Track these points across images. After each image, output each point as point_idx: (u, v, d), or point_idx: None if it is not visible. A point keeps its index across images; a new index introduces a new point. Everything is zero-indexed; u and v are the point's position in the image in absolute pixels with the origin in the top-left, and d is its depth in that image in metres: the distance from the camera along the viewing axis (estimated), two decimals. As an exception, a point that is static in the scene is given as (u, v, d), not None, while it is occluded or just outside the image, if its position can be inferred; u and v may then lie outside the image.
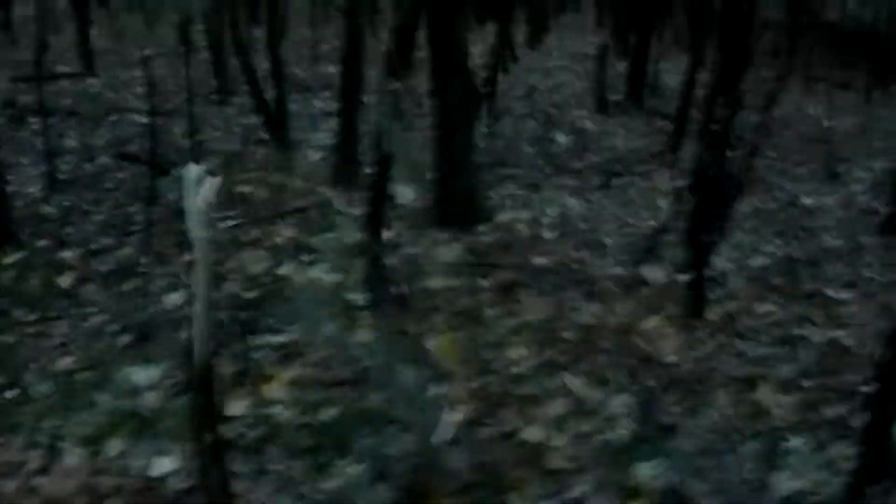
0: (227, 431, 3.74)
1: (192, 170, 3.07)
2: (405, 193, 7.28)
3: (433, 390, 4.38)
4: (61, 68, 13.44)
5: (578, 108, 12.06)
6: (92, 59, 14.26)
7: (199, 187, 3.06)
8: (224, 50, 11.67)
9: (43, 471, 3.86)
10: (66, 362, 4.85)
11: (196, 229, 3.10)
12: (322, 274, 5.85)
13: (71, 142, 9.66)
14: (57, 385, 4.60)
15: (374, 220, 5.41)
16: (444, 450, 3.91)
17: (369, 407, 4.26)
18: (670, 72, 13.70)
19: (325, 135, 9.52)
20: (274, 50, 9.66)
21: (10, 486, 3.74)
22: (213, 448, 3.24)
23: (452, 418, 4.06)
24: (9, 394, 4.53)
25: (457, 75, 6.68)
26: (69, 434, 4.13)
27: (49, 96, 9.39)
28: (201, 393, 3.20)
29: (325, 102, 11.28)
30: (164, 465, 3.88)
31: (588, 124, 11.32)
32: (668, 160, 9.61)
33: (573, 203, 7.95)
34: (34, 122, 9.60)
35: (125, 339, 5.10)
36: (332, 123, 9.27)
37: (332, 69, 11.84)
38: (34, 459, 3.92)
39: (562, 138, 10.43)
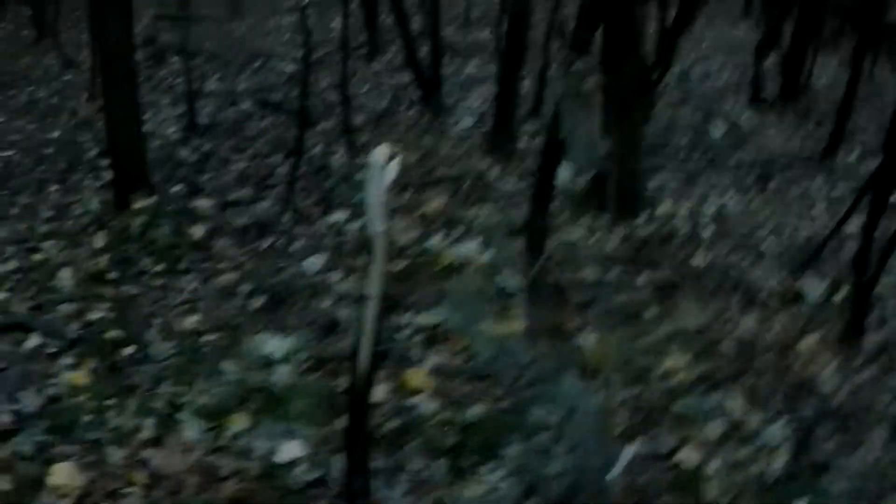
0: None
1: (379, 153, 2.72)
2: (563, 173, 6.97)
3: (589, 398, 4.03)
4: (207, 10, 13.74)
5: (731, 101, 11.70)
6: (239, 3, 14.52)
7: (382, 175, 2.71)
8: (377, 4, 11.70)
9: (156, 442, 3.67)
10: (191, 321, 4.71)
11: (376, 222, 2.77)
12: (472, 251, 5.63)
13: (212, 85, 9.82)
14: (180, 346, 4.45)
15: (540, 203, 5.13)
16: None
17: (519, 409, 3.95)
18: (821, 70, 13.15)
19: (476, 101, 9.49)
20: (430, 8, 9.55)
21: (118, 455, 3.56)
22: (360, 458, 2.97)
23: (628, 453, 3.71)
24: (127, 350, 4.39)
25: (630, 57, 6.50)
26: (189, 403, 3.93)
27: (192, 37, 9.55)
28: (357, 405, 2.92)
29: (476, 68, 11.23)
30: (290, 450, 3.61)
31: (742, 118, 10.95)
32: (823, 165, 9.37)
33: (729, 201, 7.77)
34: (175, 62, 9.81)
35: (257, 301, 4.94)
36: (484, 90, 9.18)
37: (485, 34, 11.75)
38: (147, 428, 3.72)
39: (716, 131, 10.15)
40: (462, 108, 9.39)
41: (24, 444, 3.65)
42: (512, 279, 5.12)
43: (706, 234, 6.74)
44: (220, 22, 13.54)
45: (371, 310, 2.78)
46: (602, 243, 6.02)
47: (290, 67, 10.85)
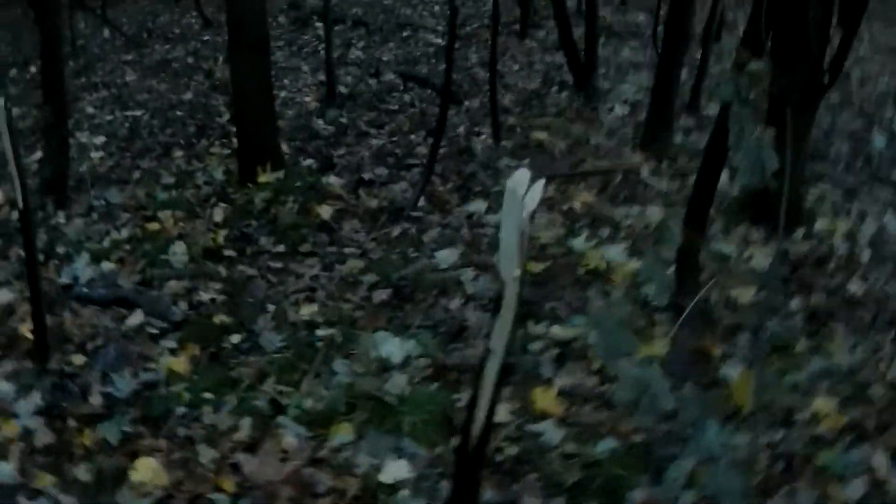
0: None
1: (519, 178, 2.45)
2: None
3: (730, 442, 3.75)
4: None
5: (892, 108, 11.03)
6: None
7: (522, 205, 2.45)
8: None
9: (251, 445, 3.60)
10: (307, 311, 4.65)
11: (508, 266, 2.51)
12: (619, 256, 5.41)
13: (356, 53, 9.88)
14: (292, 339, 4.38)
15: (699, 211, 4.88)
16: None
17: (652, 447, 3.69)
18: None
19: (630, 89, 9.32)
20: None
21: (209, 455, 3.51)
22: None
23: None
24: (235, 338, 4.37)
25: (802, 59, 6.19)
26: (292, 405, 3.85)
27: (338, 2, 9.63)
28: (470, 467, 2.76)
29: (632, 52, 11.05)
30: (397, 470, 3.48)
31: (906, 127, 10.29)
32: None
33: (890, 221, 7.28)
34: (319, 28, 9.93)
35: (382, 294, 4.85)
36: (638, 77, 9.04)
37: (642, 17, 11.66)
38: (244, 429, 3.66)
39: (879, 141, 9.58)
40: (615, 96, 9.23)
41: (110, 431, 3.65)
42: (659, 292, 4.85)
43: (864, 257, 6.27)
44: None
45: (494, 361, 2.58)
46: (758, 260, 5.67)
47: (437, 40, 10.91)
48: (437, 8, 13.27)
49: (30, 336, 4.31)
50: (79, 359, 4.16)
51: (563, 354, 4.35)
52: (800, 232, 6.26)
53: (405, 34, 11.46)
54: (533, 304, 4.76)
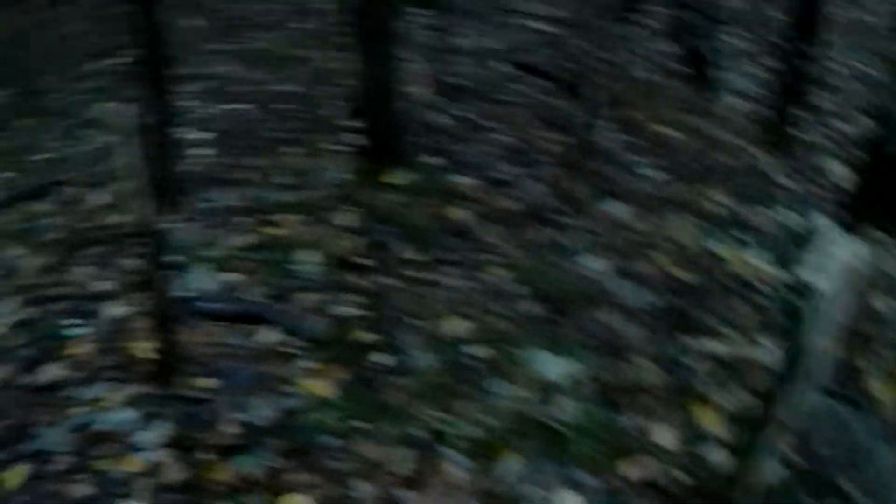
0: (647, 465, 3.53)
1: (825, 228, 2.35)
2: (835, 170, 7.10)
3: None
4: None
5: None
6: None
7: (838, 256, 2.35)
8: None
9: (412, 479, 3.56)
10: (456, 327, 4.62)
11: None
12: (760, 261, 5.61)
13: (462, 41, 9.93)
14: (442, 357, 4.35)
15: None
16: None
17: (816, 469, 3.82)
18: None
19: (741, 78, 9.58)
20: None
21: (365, 490, 3.48)
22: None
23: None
24: (381, 358, 4.33)
25: None
26: (453, 433, 3.86)
27: None
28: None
29: (737, 39, 11.17)
30: (570, 500, 3.60)
31: None
32: None
33: None
34: (419, 15, 10.00)
35: (533, 308, 4.85)
36: (747, 66, 9.41)
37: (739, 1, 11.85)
38: (402, 460, 3.63)
39: None
40: (728, 86, 9.45)
41: (251, 465, 3.65)
42: (801, 300, 4.79)
43: None
44: None
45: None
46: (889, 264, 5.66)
47: (545, 27, 11.02)
48: None
49: (149, 356, 4.33)
50: (206, 382, 4.16)
51: (719, 371, 4.49)
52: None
53: (510, 21, 11.57)
54: (685, 315, 4.90)
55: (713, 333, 4.75)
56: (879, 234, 5.99)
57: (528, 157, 6.89)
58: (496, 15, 11.80)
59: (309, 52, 10.58)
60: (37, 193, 6.93)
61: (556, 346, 4.48)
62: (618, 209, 6.01)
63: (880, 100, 5.78)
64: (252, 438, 3.79)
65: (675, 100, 8.61)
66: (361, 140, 6.52)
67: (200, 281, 5.02)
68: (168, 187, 6.02)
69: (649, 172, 6.68)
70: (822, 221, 2.50)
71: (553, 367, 4.34)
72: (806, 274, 2.64)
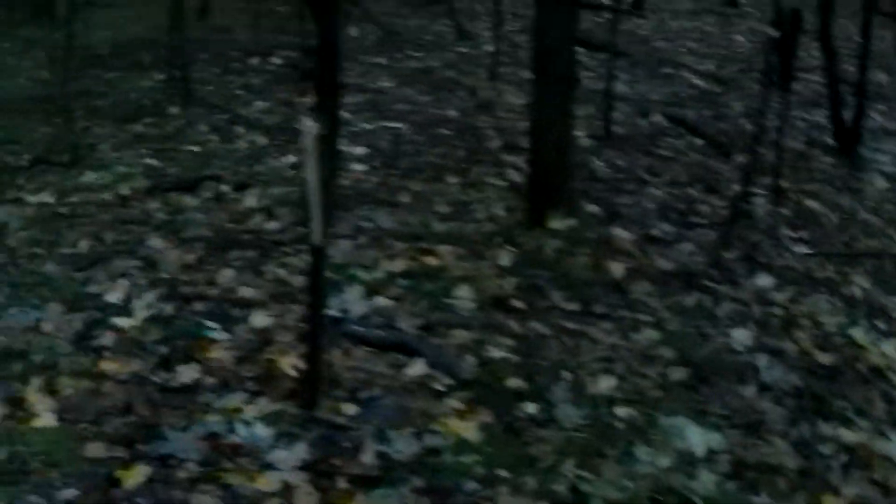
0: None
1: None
2: None
3: None
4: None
5: None
6: None
7: None
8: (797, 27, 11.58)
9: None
10: (603, 383, 4.61)
11: None
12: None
13: (621, 88, 9.97)
14: (591, 415, 4.34)
15: None
16: None
17: None
18: None
19: (889, 158, 9.55)
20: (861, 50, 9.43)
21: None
22: None
23: None
24: (529, 407, 4.33)
25: None
26: (594, 493, 3.84)
27: (591, 28, 9.82)
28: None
29: (882, 117, 11.06)
30: None
31: None
32: None
33: None
34: (589, 58, 10.10)
35: (678, 373, 4.83)
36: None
37: (882, 76, 11.83)
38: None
39: None
40: (874, 165, 9.36)
41: (387, 499, 3.65)
42: None
43: None
44: (625, 16, 13.97)
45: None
46: None
47: (699, 81, 11.20)
48: (693, 44, 13.62)
49: (291, 373, 4.36)
50: (350, 408, 4.18)
51: (849, 462, 4.42)
52: None
53: (666, 70, 11.72)
54: (822, 399, 4.85)
55: (847, 422, 4.72)
56: None
57: (681, 216, 6.91)
58: (654, 64, 11.99)
59: (469, 78, 10.69)
60: (185, 186, 7.07)
61: (698, 416, 4.47)
62: (764, 281, 5.98)
63: None
64: (390, 472, 3.79)
65: (823, 173, 8.60)
66: (521, 177, 6.55)
67: (352, 302, 5.08)
68: (329, 202, 6.11)
69: (795, 246, 6.67)
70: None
71: (693, 436, 4.33)
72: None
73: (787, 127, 9.46)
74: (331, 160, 6.05)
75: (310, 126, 3.85)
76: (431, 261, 5.67)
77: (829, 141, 9.38)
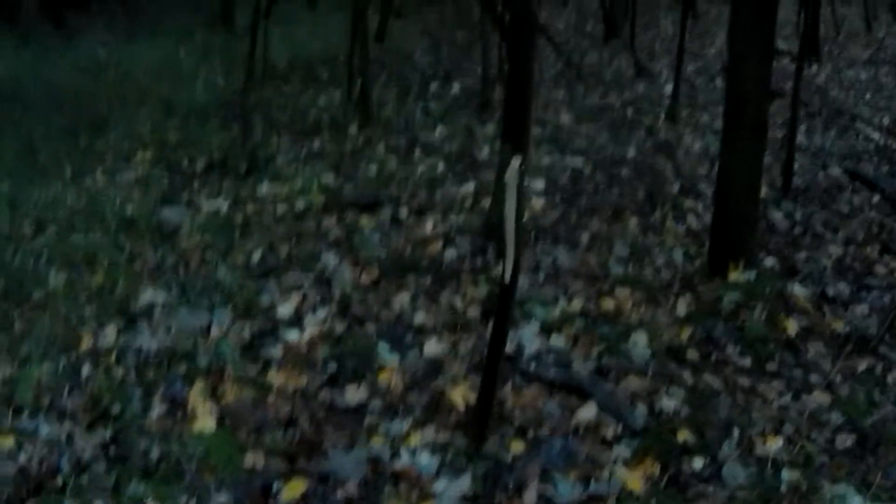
0: None
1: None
2: None
3: None
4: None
5: None
6: (817, 43, 15.21)
7: None
8: None
9: None
10: (772, 445, 4.53)
11: None
12: None
13: (799, 138, 9.81)
14: (756, 475, 4.28)
15: None
16: None
17: None
18: None
19: None
20: None
21: None
22: None
23: None
24: (697, 462, 4.30)
25: None
26: None
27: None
28: None
29: None
30: None
31: None
32: None
33: None
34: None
35: (846, 439, 4.73)
36: None
37: None
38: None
39: None
40: None
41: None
42: None
43: None
44: (805, 62, 13.75)
45: None
46: None
47: (875, 134, 10.93)
48: (868, 95, 13.34)
49: (462, 405, 4.40)
50: (518, 445, 4.20)
51: None
52: None
53: (842, 122, 11.50)
54: None
55: None
56: None
57: (858, 276, 6.77)
58: (831, 115, 11.78)
59: (646, 117, 10.65)
60: (362, 205, 7.19)
61: (862, 485, 4.33)
62: None
63: None
64: (558, 513, 3.77)
65: None
66: (700, 224, 6.48)
67: (527, 339, 5.11)
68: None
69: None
70: None
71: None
72: None
73: None
74: (519, 195, 6.15)
75: (514, 162, 3.87)
76: (609, 303, 5.67)
77: None
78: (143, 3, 17.75)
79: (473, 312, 5.32)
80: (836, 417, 4.87)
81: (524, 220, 6.14)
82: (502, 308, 4.11)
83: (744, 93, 6.30)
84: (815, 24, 15.31)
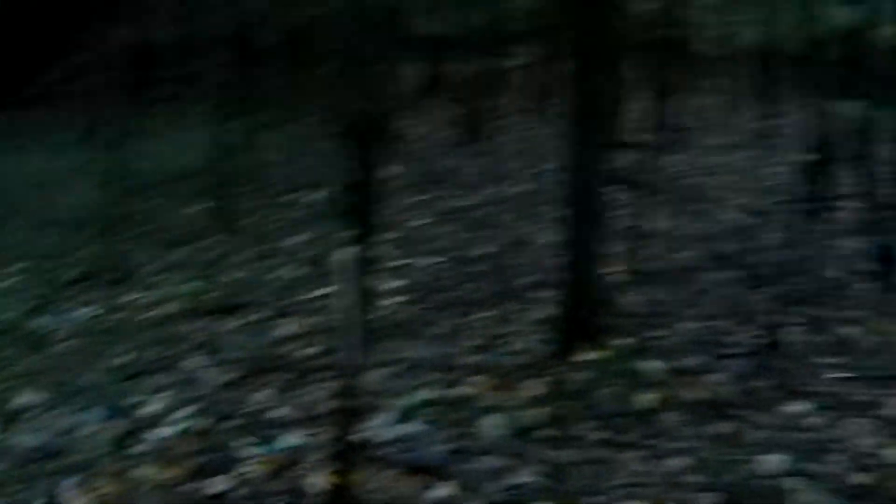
0: None
1: None
2: None
3: None
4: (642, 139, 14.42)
5: None
6: (680, 133, 15.51)
7: None
8: (830, 154, 11.45)
9: None
10: None
11: None
12: None
13: (657, 224, 10.15)
14: None
15: None
16: None
17: None
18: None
19: None
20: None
21: None
22: None
23: None
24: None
25: None
26: None
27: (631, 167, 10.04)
28: None
29: None
30: None
31: None
32: None
33: None
34: (614, 193, 10.34)
35: (707, 499, 4.86)
36: None
37: None
38: None
39: None
40: None
41: None
42: None
43: None
44: (662, 153, 14.20)
45: None
46: None
47: (735, 216, 11.24)
48: (728, 178, 13.61)
49: (320, 491, 4.46)
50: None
51: None
52: None
53: (703, 205, 11.83)
54: None
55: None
56: None
57: (716, 347, 6.96)
58: (693, 199, 12.04)
59: (503, 216, 10.88)
60: (226, 309, 7.23)
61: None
62: (797, 407, 6.00)
63: None
64: None
65: (863, 300, 8.49)
66: (554, 311, 6.71)
67: (385, 426, 5.21)
68: (365, 330, 6.28)
69: (831, 373, 6.62)
70: None
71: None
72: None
73: (824, 255, 9.44)
74: (365, 291, 6.25)
75: (339, 255, 4.02)
76: (465, 391, 5.81)
77: (871, 266, 9.17)
78: (16, 116, 17.65)
79: (330, 405, 5.38)
80: (696, 478, 5.04)
81: (380, 316, 6.31)
82: (345, 393, 4.19)
83: (579, 183, 6.54)
84: (675, 114, 15.87)
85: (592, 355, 6.28)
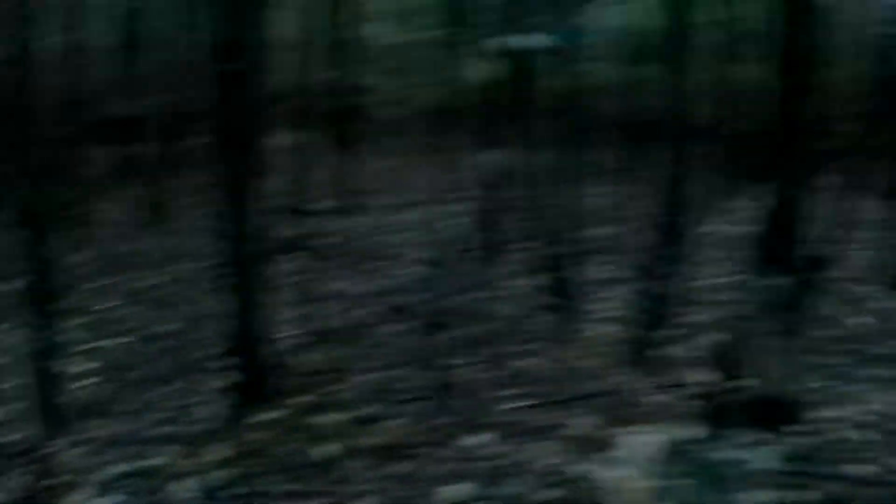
0: None
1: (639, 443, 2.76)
2: (698, 380, 7.36)
3: None
4: (320, 205, 14.70)
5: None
6: (360, 197, 16.18)
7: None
8: (495, 202, 12.35)
9: None
10: None
11: None
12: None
13: (335, 284, 10.59)
14: None
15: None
16: None
17: None
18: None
19: (607, 305, 9.92)
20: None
21: None
22: None
23: None
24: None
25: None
26: None
27: (312, 232, 10.51)
28: None
29: (598, 268, 11.48)
30: None
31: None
32: None
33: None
34: (291, 259, 10.63)
35: None
36: (615, 292, 9.82)
37: (602, 230, 12.35)
38: None
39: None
40: (596, 313, 9.76)
41: None
42: None
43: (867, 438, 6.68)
44: (340, 216, 14.61)
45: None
46: (762, 460, 6.14)
47: (416, 269, 11.70)
48: (412, 234, 13.91)
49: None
50: None
51: None
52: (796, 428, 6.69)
53: (383, 263, 12.26)
54: None
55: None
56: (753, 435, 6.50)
57: (393, 394, 7.38)
58: (368, 258, 12.48)
59: (190, 292, 11.05)
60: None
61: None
62: (480, 439, 6.44)
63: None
64: None
65: (540, 332, 9.03)
66: (236, 378, 7.06)
67: (85, 502, 5.51)
68: (54, 413, 6.44)
69: (512, 403, 7.08)
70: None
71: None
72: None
73: (500, 296, 10.15)
74: (52, 376, 6.43)
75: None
76: (159, 460, 6.12)
77: (550, 299, 9.74)
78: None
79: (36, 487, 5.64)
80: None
81: (73, 398, 6.43)
82: (38, 472, 4.42)
83: (242, 253, 7.00)
84: (355, 177, 16.26)
85: (273, 415, 6.67)
